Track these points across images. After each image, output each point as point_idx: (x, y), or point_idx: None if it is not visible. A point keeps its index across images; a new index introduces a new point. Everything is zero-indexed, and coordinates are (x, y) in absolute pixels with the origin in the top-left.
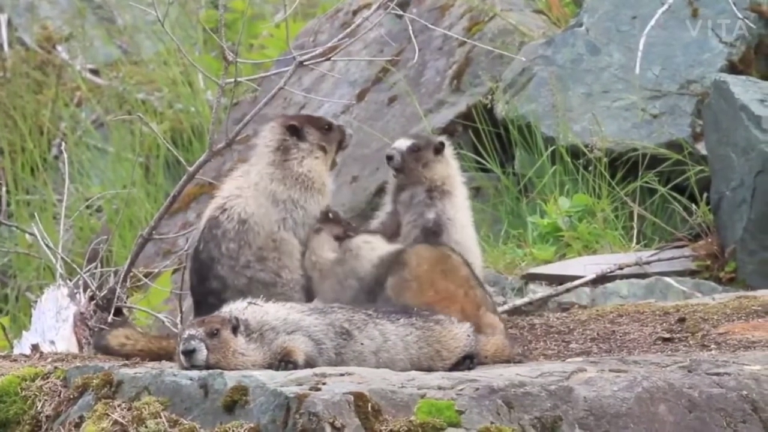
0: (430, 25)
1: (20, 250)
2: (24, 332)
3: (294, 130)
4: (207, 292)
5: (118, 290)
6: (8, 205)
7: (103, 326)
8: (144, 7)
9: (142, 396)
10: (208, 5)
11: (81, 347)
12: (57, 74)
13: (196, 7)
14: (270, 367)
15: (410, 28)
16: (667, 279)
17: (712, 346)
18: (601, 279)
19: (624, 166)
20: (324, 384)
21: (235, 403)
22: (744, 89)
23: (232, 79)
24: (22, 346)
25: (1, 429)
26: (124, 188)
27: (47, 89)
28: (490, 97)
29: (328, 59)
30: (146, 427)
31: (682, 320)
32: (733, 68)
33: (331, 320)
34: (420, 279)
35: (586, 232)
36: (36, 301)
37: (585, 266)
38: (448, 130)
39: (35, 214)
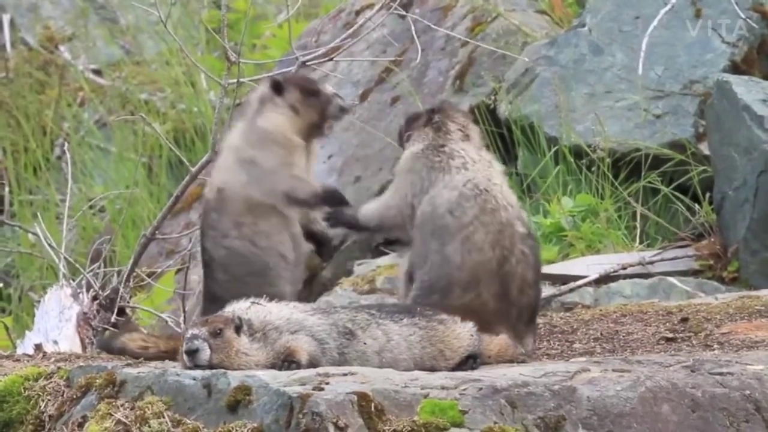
0: (432, 26)
1: (23, 250)
2: (27, 332)
3: (277, 87)
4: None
5: (121, 290)
6: (11, 205)
7: (106, 326)
8: (146, 7)
9: (146, 396)
10: (210, 5)
11: (84, 347)
12: (60, 74)
13: (198, 8)
14: (273, 366)
15: (413, 28)
16: (671, 279)
17: (715, 345)
18: (605, 279)
19: (627, 166)
20: (327, 384)
21: (238, 402)
22: (747, 89)
23: (235, 80)
24: (25, 346)
25: (4, 429)
26: (127, 188)
27: (50, 89)
28: (493, 97)
29: (331, 59)
30: (149, 426)
31: (685, 320)
32: (735, 68)
33: (334, 320)
34: None
35: (589, 232)
36: (39, 301)
37: (588, 266)
38: None
39: (38, 214)
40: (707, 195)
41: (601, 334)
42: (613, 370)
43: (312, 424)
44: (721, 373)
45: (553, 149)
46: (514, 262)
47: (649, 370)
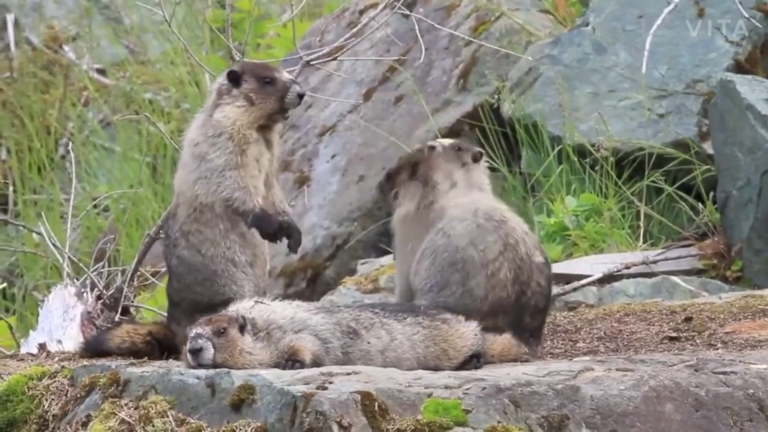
0: (436, 25)
1: (27, 249)
2: (31, 331)
3: (233, 77)
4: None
5: (126, 289)
6: (15, 204)
7: (110, 326)
8: (151, 6)
9: (149, 395)
10: (214, 5)
11: None
12: (64, 74)
13: (202, 7)
14: (277, 366)
15: (417, 27)
16: (674, 278)
17: (719, 345)
18: (608, 278)
19: (630, 165)
20: (331, 383)
21: (242, 402)
22: (750, 89)
23: None
24: (30, 346)
25: (8, 428)
26: (131, 188)
27: (54, 89)
28: (496, 96)
29: (335, 59)
30: (153, 426)
31: (688, 319)
32: (739, 67)
33: (338, 319)
34: None
35: (592, 231)
36: (43, 301)
37: (592, 265)
38: (455, 129)
39: (42, 213)
40: (711, 194)
41: (605, 333)
42: (617, 370)
43: (316, 423)
44: (724, 373)
45: (557, 148)
46: (530, 294)
47: (652, 370)
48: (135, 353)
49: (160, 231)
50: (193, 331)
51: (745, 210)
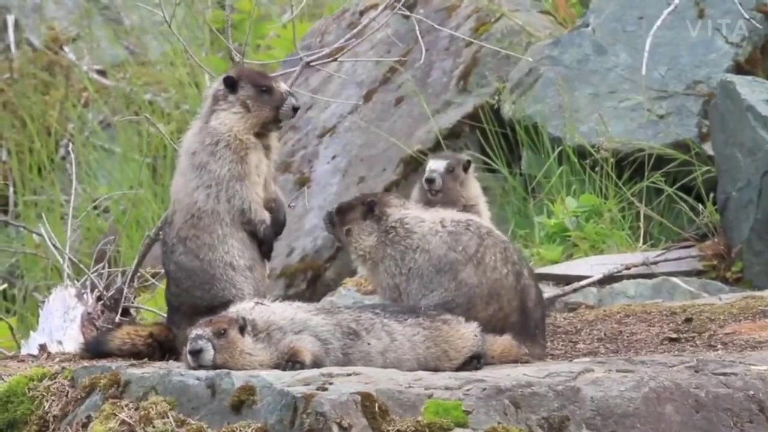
0: (437, 26)
1: (28, 250)
2: (32, 332)
3: (230, 83)
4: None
5: (126, 290)
6: (16, 205)
7: (110, 326)
8: (151, 7)
9: (150, 396)
10: (214, 6)
11: None
12: (64, 75)
13: (202, 8)
14: (277, 367)
15: (417, 28)
16: (674, 279)
17: (719, 346)
18: (608, 279)
19: (631, 166)
20: (331, 384)
21: (242, 403)
22: (750, 89)
23: None
24: (30, 347)
25: (9, 429)
26: (131, 189)
27: (54, 90)
28: (496, 97)
29: (335, 60)
30: (154, 426)
31: (688, 320)
32: (739, 68)
33: (338, 320)
34: None
35: (593, 232)
36: (43, 302)
37: (592, 266)
38: (455, 130)
39: (42, 214)
40: (711, 195)
41: (605, 334)
42: (617, 371)
43: (316, 424)
44: (724, 374)
45: (557, 149)
46: (527, 274)
47: (652, 371)
48: (136, 355)
49: (160, 232)
50: (194, 332)
51: (746, 211)
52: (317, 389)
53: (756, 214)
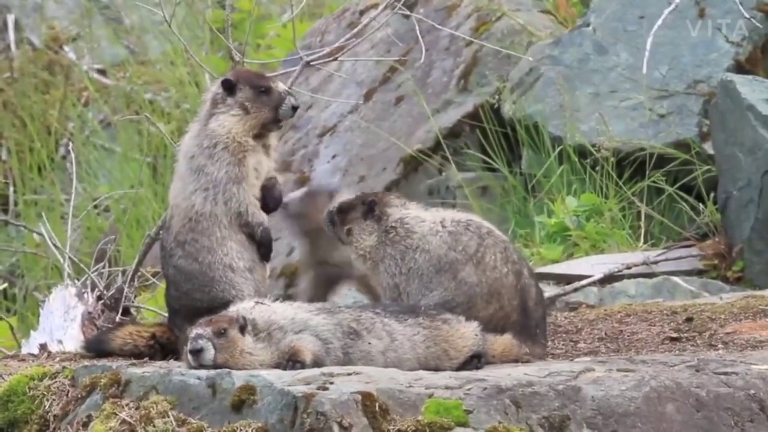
0: (437, 25)
1: (28, 249)
2: (32, 332)
3: (228, 86)
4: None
5: (126, 290)
6: (16, 204)
7: (111, 326)
8: (151, 7)
9: (150, 395)
10: (215, 5)
11: None
12: (64, 74)
13: (203, 7)
14: (278, 366)
15: (417, 28)
16: (675, 278)
17: (720, 345)
18: (609, 278)
19: (631, 165)
20: (332, 383)
21: (242, 402)
22: (751, 89)
23: None
24: (30, 346)
25: (9, 428)
26: (132, 188)
27: (55, 89)
28: (497, 96)
29: (335, 59)
30: (154, 426)
31: (689, 320)
32: (739, 68)
33: (338, 320)
34: None
35: (593, 231)
36: (44, 301)
37: (592, 266)
38: (455, 130)
39: (43, 213)
40: (712, 195)
41: (606, 333)
42: (618, 370)
43: (316, 423)
44: (725, 373)
45: (558, 149)
46: (527, 273)
47: (653, 370)
48: (137, 355)
49: (161, 231)
50: (194, 331)
51: (746, 210)
52: (318, 389)
53: (757, 213)
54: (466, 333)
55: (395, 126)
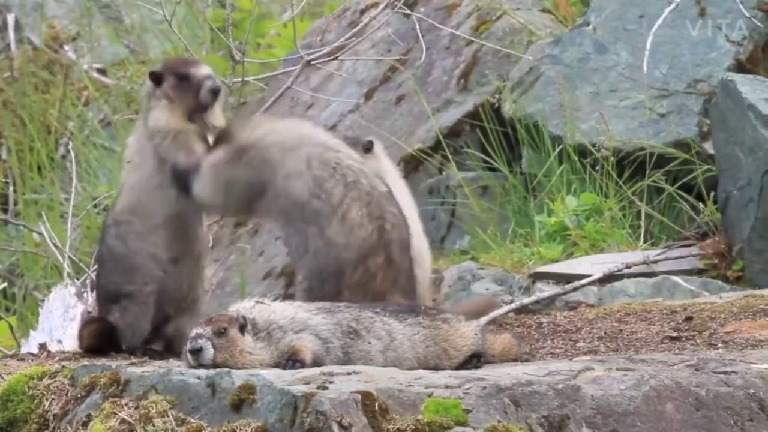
0: (437, 25)
1: (28, 249)
2: (31, 331)
3: (155, 78)
4: None
5: None
6: (15, 204)
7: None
8: (151, 6)
9: (150, 395)
10: (215, 4)
11: None
12: (64, 74)
13: (203, 7)
14: (277, 365)
15: (418, 27)
16: (675, 278)
17: (720, 344)
18: (609, 278)
19: (631, 165)
20: (331, 383)
21: (242, 401)
22: (751, 88)
23: (240, 79)
24: (30, 345)
25: (8, 428)
26: None
27: (55, 89)
28: (497, 96)
29: (336, 58)
30: (154, 425)
31: (689, 319)
32: (740, 67)
33: (338, 319)
34: None
35: (593, 231)
36: (43, 300)
37: (592, 265)
38: (456, 129)
39: (43, 213)
40: (712, 194)
41: (605, 333)
42: (617, 369)
43: (316, 423)
44: (725, 372)
45: (558, 148)
46: (389, 227)
47: (653, 369)
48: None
49: None
50: (194, 331)
51: (746, 210)
52: (317, 388)
53: (757, 212)
54: (466, 332)
55: (395, 125)
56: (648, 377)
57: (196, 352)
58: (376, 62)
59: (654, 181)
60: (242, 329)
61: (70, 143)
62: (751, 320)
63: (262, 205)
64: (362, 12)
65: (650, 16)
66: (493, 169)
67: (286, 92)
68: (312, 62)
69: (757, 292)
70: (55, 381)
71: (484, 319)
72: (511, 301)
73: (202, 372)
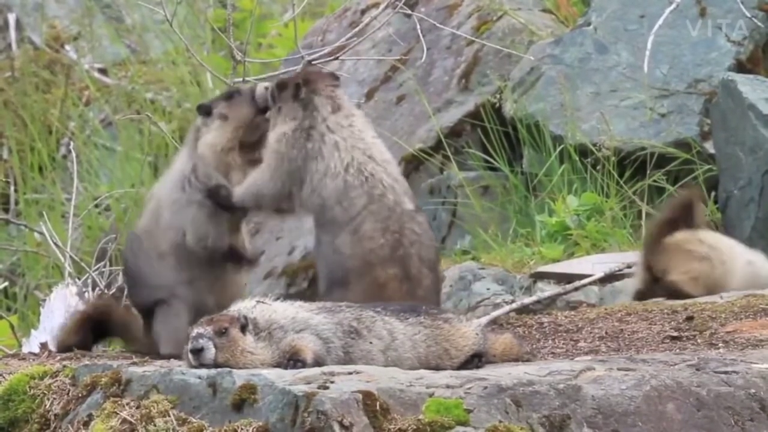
0: (438, 24)
1: (29, 248)
2: (33, 331)
3: (204, 110)
4: None
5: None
6: (17, 203)
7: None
8: (152, 6)
9: (151, 394)
10: (216, 4)
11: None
12: (65, 74)
13: (204, 6)
14: (278, 365)
15: (418, 27)
16: None
17: (720, 344)
18: (610, 277)
19: (632, 164)
20: (332, 382)
21: (243, 401)
22: (752, 88)
23: (241, 79)
24: (31, 345)
25: (9, 427)
26: (133, 187)
27: (56, 88)
28: (498, 96)
29: (337, 58)
30: (155, 425)
31: (690, 319)
32: (740, 67)
33: (339, 319)
34: None
35: (594, 230)
36: (45, 300)
37: (593, 265)
38: (457, 129)
39: (44, 213)
40: (712, 194)
41: (606, 332)
42: (618, 369)
43: (317, 422)
44: (726, 372)
45: (559, 148)
46: (408, 243)
47: (654, 369)
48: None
49: None
50: (195, 330)
51: (747, 210)
52: (318, 388)
53: (757, 212)
54: (467, 332)
55: (396, 125)
56: (649, 377)
57: (197, 351)
58: (376, 62)
59: (655, 181)
60: (243, 329)
61: (71, 143)
62: (752, 320)
63: (298, 198)
64: (363, 12)
65: (651, 16)
66: (494, 169)
67: None
68: (313, 62)
69: (758, 291)
70: (57, 380)
71: (485, 319)
72: (512, 301)
73: (204, 372)
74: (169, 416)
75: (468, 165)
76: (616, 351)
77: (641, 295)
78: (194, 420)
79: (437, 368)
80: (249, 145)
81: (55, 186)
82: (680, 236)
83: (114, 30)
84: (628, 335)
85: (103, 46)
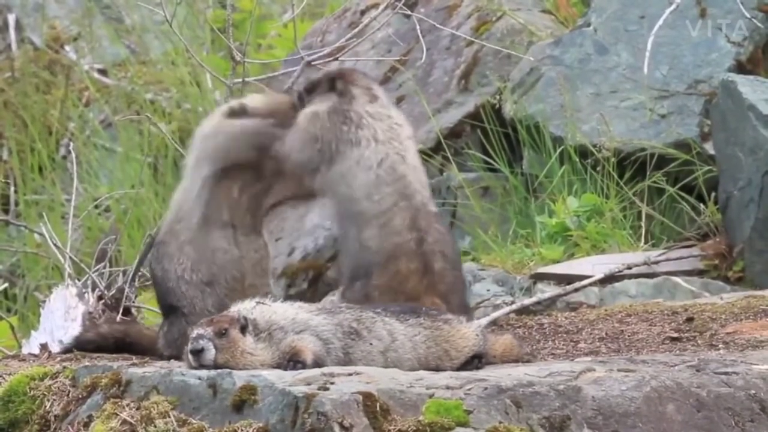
0: (438, 25)
1: (29, 249)
2: (33, 332)
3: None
4: None
5: (127, 290)
6: (17, 204)
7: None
8: (152, 7)
9: (151, 395)
10: (216, 5)
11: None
12: (65, 74)
13: (204, 7)
14: (278, 366)
15: (418, 27)
16: (676, 278)
17: (720, 345)
18: (610, 278)
19: (632, 165)
20: (332, 384)
21: (243, 402)
22: (752, 89)
23: (240, 79)
24: (31, 346)
25: (9, 429)
26: (133, 188)
27: (55, 89)
28: (498, 96)
29: (336, 59)
30: (155, 426)
31: (690, 320)
32: (741, 68)
33: (339, 320)
34: None
35: (594, 231)
36: (44, 301)
37: (593, 266)
38: (456, 129)
39: (44, 213)
40: (712, 195)
41: (606, 333)
42: (618, 370)
43: (317, 423)
44: (726, 373)
45: (559, 149)
46: (431, 240)
47: (654, 370)
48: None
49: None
50: (195, 331)
51: (747, 210)
52: (318, 389)
53: (757, 213)
54: (467, 333)
55: None
56: (649, 378)
57: (197, 352)
58: (376, 63)
59: (655, 182)
60: (243, 330)
61: (71, 144)
62: (752, 321)
63: (326, 178)
64: (362, 12)
65: (651, 17)
66: (493, 170)
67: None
68: (312, 63)
69: (758, 292)
70: (57, 382)
71: (485, 320)
72: (512, 302)
73: (204, 373)
74: (170, 417)
75: (468, 166)
76: (616, 352)
77: None
78: (194, 421)
79: (437, 369)
80: None
81: (55, 187)
82: None
83: (114, 30)
84: (629, 336)
85: (103, 46)
